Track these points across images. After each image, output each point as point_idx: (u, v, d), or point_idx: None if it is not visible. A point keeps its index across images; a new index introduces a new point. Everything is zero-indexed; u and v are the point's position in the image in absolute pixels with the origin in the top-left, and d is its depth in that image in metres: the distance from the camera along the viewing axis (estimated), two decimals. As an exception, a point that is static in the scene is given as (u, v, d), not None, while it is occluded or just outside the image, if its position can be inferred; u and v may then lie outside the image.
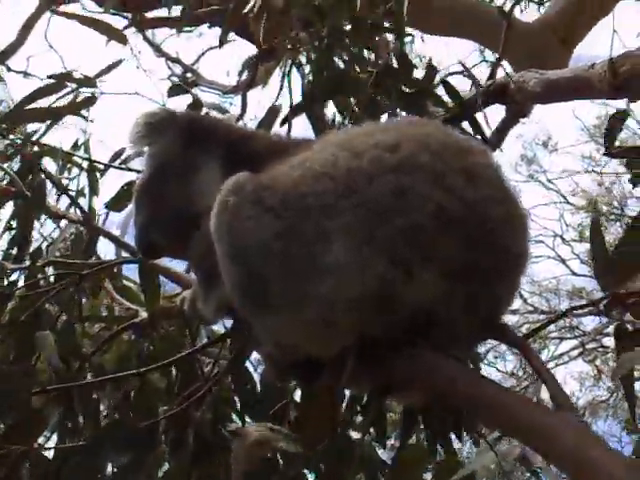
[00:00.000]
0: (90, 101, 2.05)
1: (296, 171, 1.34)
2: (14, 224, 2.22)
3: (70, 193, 2.13)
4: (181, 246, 1.60)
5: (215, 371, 1.83)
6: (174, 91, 2.38)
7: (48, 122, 2.13)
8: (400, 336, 1.23)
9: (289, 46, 3.22)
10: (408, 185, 1.23)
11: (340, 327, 1.24)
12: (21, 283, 2.03)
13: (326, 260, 1.23)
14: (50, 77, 2.01)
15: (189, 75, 7.55)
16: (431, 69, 2.40)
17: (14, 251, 2.20)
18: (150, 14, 6.69)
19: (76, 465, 1.41)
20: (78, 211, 2.14)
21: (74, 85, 2.06)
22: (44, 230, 2.35)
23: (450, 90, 2.46)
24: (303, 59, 3.18)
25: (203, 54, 7.26)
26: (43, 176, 2.08)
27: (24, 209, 2.07)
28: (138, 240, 1.65)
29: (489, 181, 1.30)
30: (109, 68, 2.20)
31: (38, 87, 1.98)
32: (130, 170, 2.29)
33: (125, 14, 6.89)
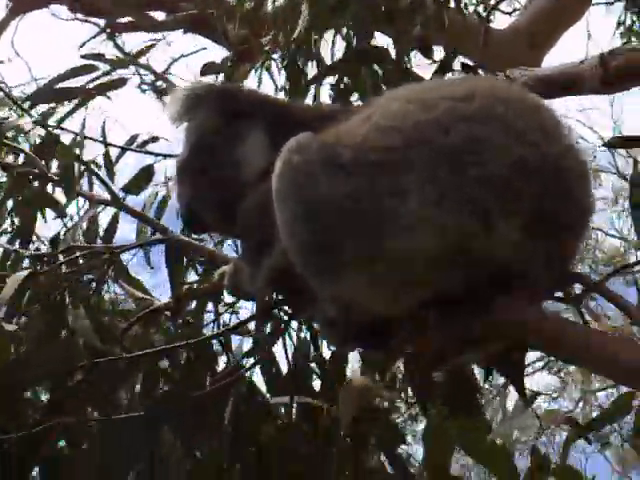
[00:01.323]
0: (121, 82, 2.02)
1: (362, 127, 1.32)
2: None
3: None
4: (227, 219, 1.58)
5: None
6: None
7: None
8: (479, 291, 1.23)
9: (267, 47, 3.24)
10: (485, 134, 1.22)
11: (417, 283, 1.23)
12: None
13: (401, 214, 1.21)
14: (83, 57, 1.97)
15: (160, 83, 7.49)
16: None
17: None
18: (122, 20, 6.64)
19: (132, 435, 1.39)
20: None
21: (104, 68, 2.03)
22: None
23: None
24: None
25: (174, 61, 7.20)
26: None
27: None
28: (184, 214, 1.63)
29: (560, 135, 1.31)
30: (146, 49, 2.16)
31: (71, 67, 1.95)
32: (147, 153, 2.26)
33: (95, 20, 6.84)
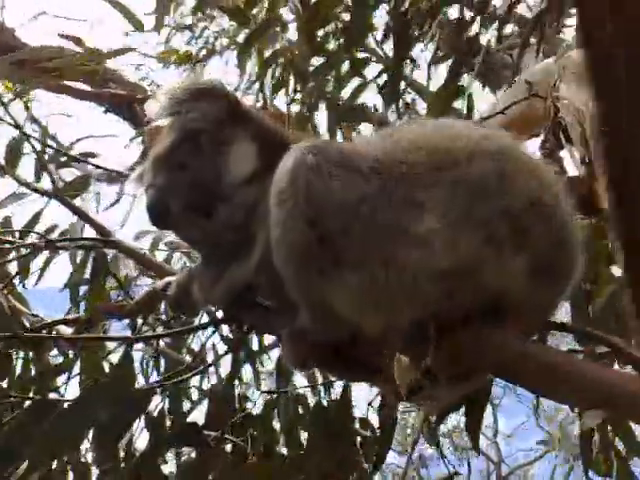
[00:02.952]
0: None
1: (381, 144, 1.32)
2: None
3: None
4: (197, 218, 1.50)
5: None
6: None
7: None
8: (472, 315, 1.20)
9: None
10: (508, 171, 1.24)
11: (415, 298, 1.19)
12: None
13: (417, 228, 1.19)
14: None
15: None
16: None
17: None
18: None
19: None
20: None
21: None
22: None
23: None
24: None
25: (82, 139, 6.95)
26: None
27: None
28: (153, 204, 1.48)
29: (560, 192, 1.33)
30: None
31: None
32: (87, 163, 2.16)
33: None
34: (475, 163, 1.24)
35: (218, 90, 1.56)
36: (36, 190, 1.90)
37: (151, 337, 1.67)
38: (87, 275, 1.96)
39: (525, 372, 1.20)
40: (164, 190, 1.51)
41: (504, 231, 1.20)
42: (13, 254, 1.90)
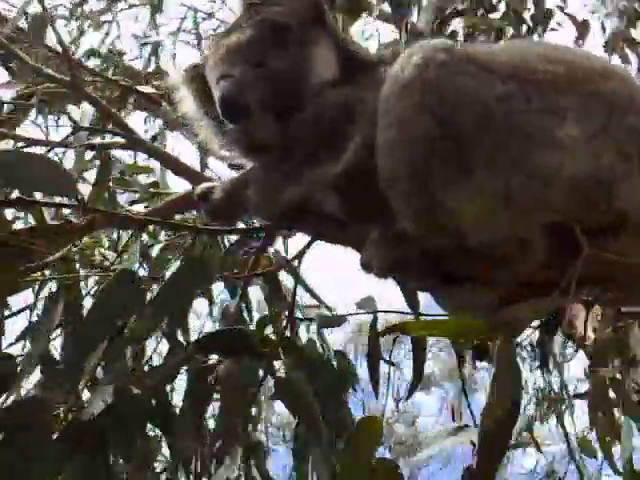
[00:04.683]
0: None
1: (512, 52, 1.33)
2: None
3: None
4: (275, 118, 1.45)
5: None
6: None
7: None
8: (596, 229, 1.22)
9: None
10: (636, 93, 1.29)
11: (546, 205, 1.20)
12: None
13: (557, 133, 1.20)
14: None
15: None
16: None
17: None
18: None
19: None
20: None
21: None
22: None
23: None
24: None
25: None
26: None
27: None
28: (231, 96, 1.41)
29: None
30: None
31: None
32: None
33: None
34: (610, 80, 1.28)
35: None
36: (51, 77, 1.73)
37: (217, 230, 1.56)
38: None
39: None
40: (243, 83, 1.44)
41: (633, 149, 1.24)
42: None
